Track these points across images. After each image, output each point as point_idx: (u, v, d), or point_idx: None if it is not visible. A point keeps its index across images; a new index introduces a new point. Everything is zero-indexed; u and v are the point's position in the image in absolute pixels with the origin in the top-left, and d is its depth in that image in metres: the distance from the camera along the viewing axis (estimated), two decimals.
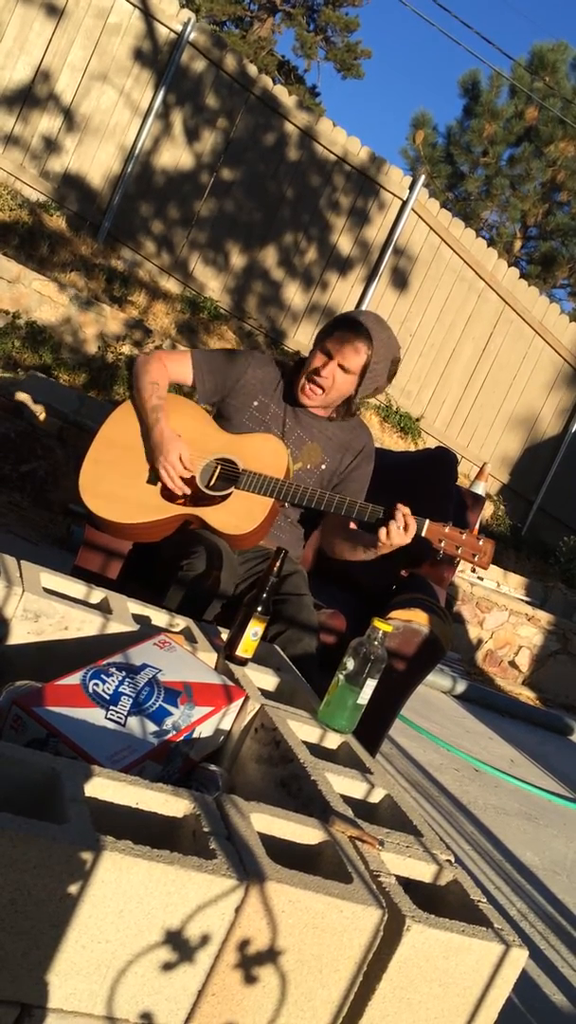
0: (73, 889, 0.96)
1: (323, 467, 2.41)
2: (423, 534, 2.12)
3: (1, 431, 4.13)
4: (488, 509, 8.68)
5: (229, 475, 2.24)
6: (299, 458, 2.39)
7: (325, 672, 1.78)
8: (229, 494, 2.21)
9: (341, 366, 2.29)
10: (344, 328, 2.29)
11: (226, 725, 1.54)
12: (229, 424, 2.37)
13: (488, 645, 6.02)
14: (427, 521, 2.12)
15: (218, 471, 2.25)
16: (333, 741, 1.58)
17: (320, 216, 7.80)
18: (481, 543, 2.10)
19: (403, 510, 2.10)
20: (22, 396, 4.21)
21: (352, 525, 2.36)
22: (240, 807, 1.19)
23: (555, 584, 7.34)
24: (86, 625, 1.59)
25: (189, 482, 2.24)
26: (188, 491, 2.21)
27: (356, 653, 1.56)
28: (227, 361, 2.41)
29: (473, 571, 6.03)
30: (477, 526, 2.60)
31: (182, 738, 1.39)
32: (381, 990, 1.11)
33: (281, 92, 7.51)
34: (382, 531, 2.09)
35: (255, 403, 2.38)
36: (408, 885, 1.25)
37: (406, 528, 2.08)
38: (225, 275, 7.65)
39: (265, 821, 1.19)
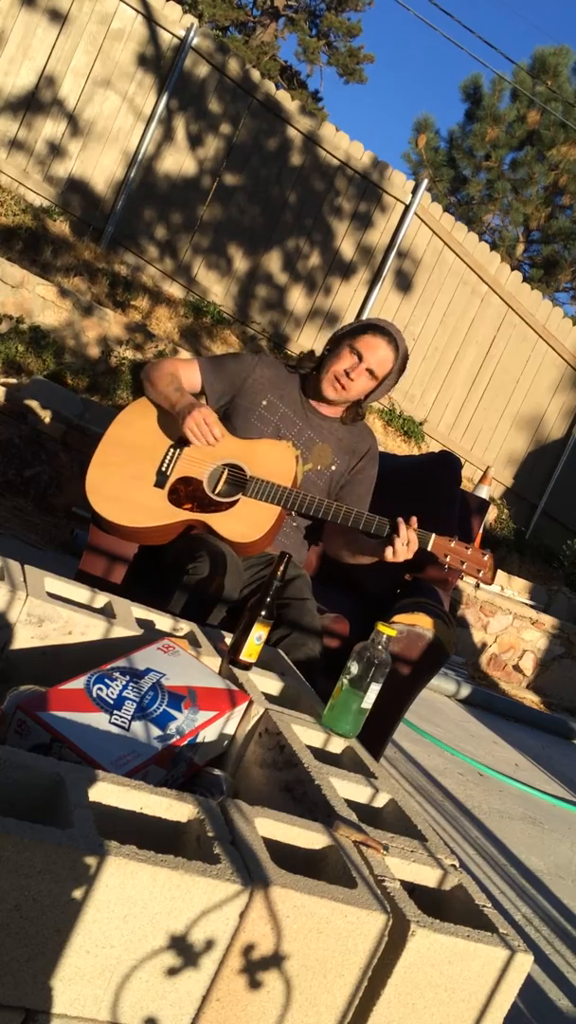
0: (77, 894, 0.96)
1: (333, 468, 2.42)
2: (429, 548, 2.13)
3: (5, 436, 4.13)
4: (492, 513, 8.68)
5: (236, 481, 2.24)
6: (309, 459, 2.39)
7: (329, 676, 1.78)
8: (236, 501, 2.21)
9: (370, 370, 2.34)
10: (375, 332, 2.34)
11: (230, 730, 1.54)
12: (238, 424, 2.37)
13: (492, 649, 6.01)
14: (433, 535, 2.12)
15: (225, 477, 2.25)
16: (337, 745, 1.58)
17: (323, 221, 7.81)
18: (485, 558, 2.11)
19: (412, 525, 2.11)
20: (26, 401, 4.22)
21: None
22: (244, 812, 1.18)
23: (559, 588, 7.33)
24: (90, 630, 1.59)
25: (196, 487, 2.24)
26: (220, 438, 2.21)
27: (360, 657, 1.56)
28: (234, 362, 2.43)
29: (476, 586, 6.03)
30: (481, 531, 2.60)
31: (186, 743, 1.39)
32: (386, 995, 1.11)
33: (284, 97, 7.53)
34: (388, 550, 2.11)
35: (264, 402, 2.39)
36: (412, 890, 1.24)
37: (408, 545, 2.10)
38: (228, 280, 7.66)
39: (269, 826, 1.19)
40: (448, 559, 2.12)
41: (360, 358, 2.33)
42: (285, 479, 2.23)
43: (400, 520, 2.11)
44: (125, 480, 2.25)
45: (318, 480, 2.39)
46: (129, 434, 2.32)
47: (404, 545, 2.10)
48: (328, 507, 2.21)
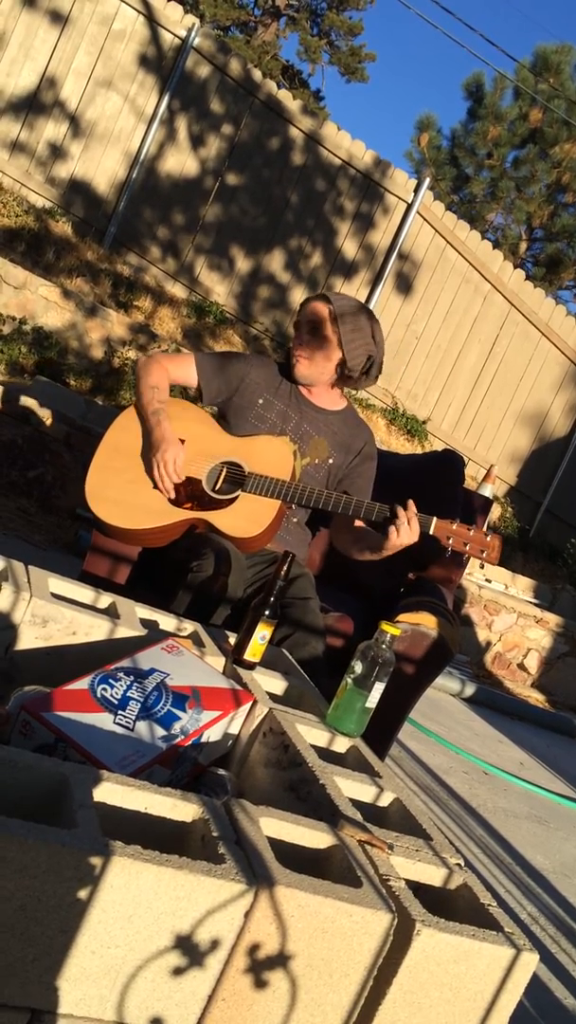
0: (82, 894, 0.96)
1: (330, 461, 2.42)
2: (431, 532, 2.12)
3: (9, 437, 4.14)
4: (496, 511, 8.67)
5: (235, 478, 2.24)
6: (306, 453, 2.40)
7: (333, 675, 1.78)
8: (235, 497, 2.21)
9: (310, 322, 2.34)
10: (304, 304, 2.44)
11: (234, 729, 1.54)
12: (234, 424, 2.38)
13: (496, 648, 6.01)
14: (434, 519, 2.13)
15: (224, 474, 2.26)
16: (341, 745, 1.58)
17: (325, 220, 7.81)
18: (489, 539, 2.11)
19: (411, 509, 2.10)
20: (29, 402, 4.22)
21: (358, 523, 2.36)
22: (249, 811, 1.18)
23: (563, 586, 7.32)
24: (94, 630, 1.59)
25: (195, 486, 2.24)
26: (173, 494, 2.22)
27: (364, 656, 1.55)
28: (230, 361, 2.43)
29: (481, 567, 6.01)
30: (485, 528, 2.60)
31: (190, 742, 1.39)
32: (391, 995, 1.11)
33: (286, 96, 7.53)
34: (391, 531, 2.10)
35: (260, 401, 2.39)
36: (418, 889, 1.24)
37: (410, 523, 2.09)
38: (231, 280, 7.66)
39: (274, 825, 1.19)
40: (451, 542, 2.11)
41: (298, 329, 2.39)
42: (283, 473, 2.23)
43: (397, 505, 2.12)
44: (124, 483, 2.26)
45: (316, 474, 2.40)
46: (126, 438, 2.33)
47: (406, 524, 2.09)
48: (328, 497, 2.21)
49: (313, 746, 1.48)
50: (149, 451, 2.26)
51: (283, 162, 7.59)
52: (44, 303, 5.53)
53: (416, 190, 7.85)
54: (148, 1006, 1.03)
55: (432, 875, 1.28)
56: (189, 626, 1.80)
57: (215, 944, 1.03)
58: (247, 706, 1.54)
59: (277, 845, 1.15)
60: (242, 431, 2.35)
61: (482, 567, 5.97)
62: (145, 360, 2.40)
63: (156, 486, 2.24)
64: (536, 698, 5.83)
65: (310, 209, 7.74)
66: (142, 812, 1.13)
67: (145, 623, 1.70)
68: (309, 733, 1.53)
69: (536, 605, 6.45)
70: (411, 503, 2.13)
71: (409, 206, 7.85)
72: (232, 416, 2.40)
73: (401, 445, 7.82)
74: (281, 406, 2.40)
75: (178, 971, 1.02)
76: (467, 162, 13.38)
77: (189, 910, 1.01)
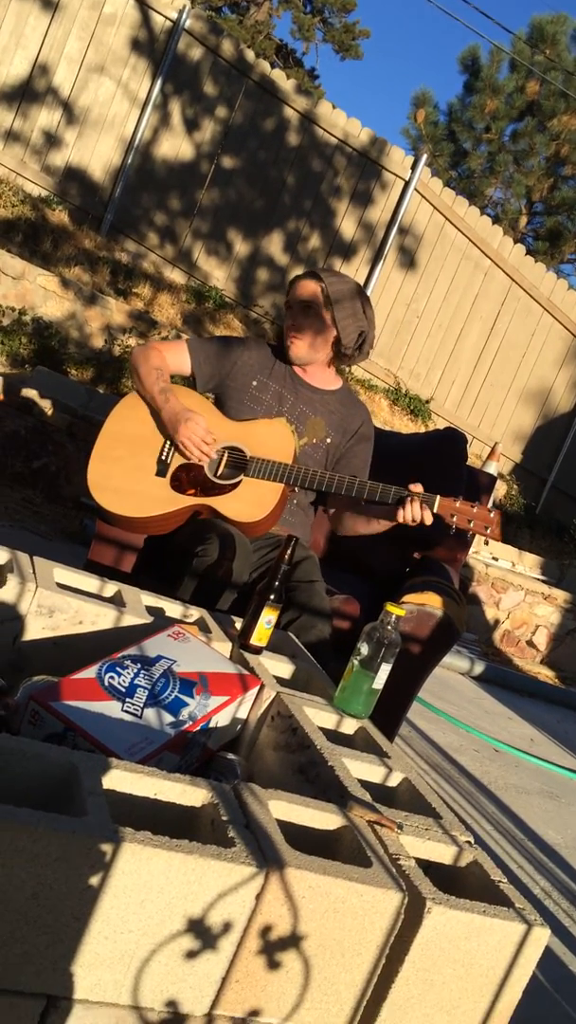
0: (94, 881, 0.97)
1: (328, 440, 2.42)
2: (435, 510, 2.14)
3: (12, 428, 4.14)
4: (501, 489, 8.65)
5: (237, 463, 2.24)
6: (304, 433, 2.40)
7: (340, 658, 1.78)
8: (239, 482, 2.21)
9: (300, 301, 2.34)
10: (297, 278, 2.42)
11: (243, 714, 1.55)
12: (232, 406, 2.38)
13: (505, 625, 6.01)
14: (438, 497, 2.14)
15: (226, 459, 2.26)
16: (350, 726, 1.58)
17: (322, 200, 7.75)
18: (492, 515, 2.13)
19: (416, 497, 2.12)
20: (31, 392, 4.22)
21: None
22: (258, 795, 1.19)
23: (570, 562, 7.31)
24: (100, 619, 1.59)
25: (198, 472, 2.24)
26: (215, 457, 2.22)
27: (370, 638, 1.56)
28: (222, 345, 2.44)
29: (486, 543, 6.01)
30: (490, 506, 2.60)
31: (199, 728, 1.40)
32: (404, 973, 1.12)
33: (279, 76, 7.46)
34: (400, 512, 2.12)
35: (254, 383, 2.39)
36: (428, 867, 1.25)
37: (423, 507, 2.11)
38: (229, 264, 7.63)
39: (283, 808, 1.20)
40: (455, 519, 2.13)
41: (290, 307, 2.38)
42: (285, 456, 2.23)
43: (406, 494, 2.13)
44: (126, 472, 2.26)
45: (314, 453, 2.40)
46: (126, 427, 2.33)
47: (417, 506, 2.12)
48: (331, 479, 2.22)
49: (321, 728, 1.49)
50: (164, 431, 2.27)
51: (279, 143, 7.54)
52: (43, 293, 5.51)
53: (413, 167, 7.79)
54: (163, 989, 1.04)
55: (442, 853, 1.29)
56: (195, 612, 1.80)
57: (227, 927, 1.04)
58: (255, 690, 1.55)
59: (287, 827, 1.16)
60: (238, 414, 2.35)
61: (486, 543, 5.96)
62: (142, 348, 2.40)
63: (159, 473, 2.24)
64: (545, 674, 5.83)
65: (307, 190, 7.69)
66: (152, 798, 1.13)
67: (151, 610, 1.71)
68: (317, 716, 1.53)
69: (544, 582, 6.45)
70: (417, 485, 2.14)
71: (407, 183, 7.79)
72: (227, 399, 2.40)
73: (405, 425, 7.80)
74: (276, 387, 2.40)
75: (191, 954, 1.03)
76: (465, 137, 13.25)
77: (200, 894, 1.02)
